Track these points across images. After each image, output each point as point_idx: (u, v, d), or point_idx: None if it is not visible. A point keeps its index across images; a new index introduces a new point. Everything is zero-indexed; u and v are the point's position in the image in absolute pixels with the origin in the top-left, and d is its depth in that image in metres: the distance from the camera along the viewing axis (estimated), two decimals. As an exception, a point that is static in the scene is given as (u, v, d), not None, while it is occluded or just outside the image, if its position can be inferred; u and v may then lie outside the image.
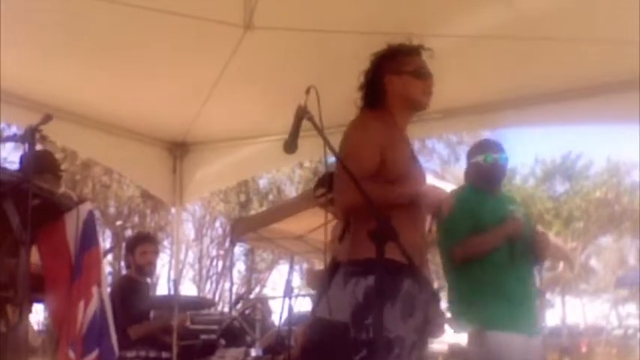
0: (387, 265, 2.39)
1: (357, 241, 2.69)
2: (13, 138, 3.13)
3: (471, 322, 3.56)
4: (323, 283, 3.67)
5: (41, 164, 3.35)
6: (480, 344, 3.55)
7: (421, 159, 3.13)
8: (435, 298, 3.03)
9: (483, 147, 3.94)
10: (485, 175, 3.86)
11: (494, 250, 3.63)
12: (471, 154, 3.98)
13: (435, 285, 3.30)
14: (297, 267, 19.97)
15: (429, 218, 3.11)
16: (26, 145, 2.99)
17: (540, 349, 3.78)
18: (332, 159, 2.75)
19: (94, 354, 3.41)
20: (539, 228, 4.11)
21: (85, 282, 3.45)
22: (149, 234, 6.31)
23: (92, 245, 3.52)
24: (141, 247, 5.51)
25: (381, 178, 2.71)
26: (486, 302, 3.57)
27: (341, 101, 3.23)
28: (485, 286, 3.61)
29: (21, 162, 3.40)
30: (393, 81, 2.90)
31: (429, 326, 2.90)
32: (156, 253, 5.75)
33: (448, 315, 3.39)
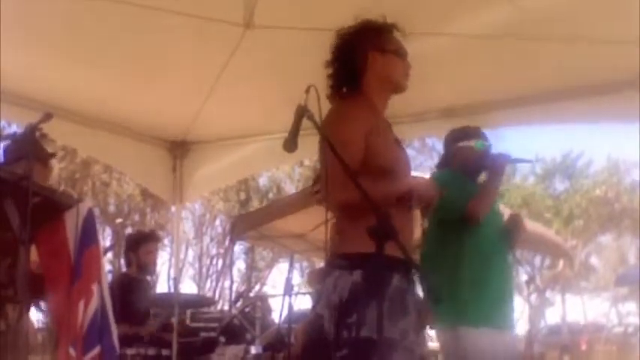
0: (381, 261, 2.27)
1: (348, 236, 2.59)
2: (13, 136, 3.14)
3: (444, 319, 3.44)
4: (322, 279, 3.65)
5: (22, 150, 3.17)
6: (453, 341, 3.52)
7: (421, 158, 3.10)
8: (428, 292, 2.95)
9: (471, 133, 3.84)
10: (476, 161, 3.77)
11: (474, 237, 3.57)
12: (455, 139, 3.85)
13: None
14: (297, 265, 19.99)
15: (418, 213, 3.02)
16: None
17: (515, 342, 3.75)
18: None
19: (96, 351, 3.41)
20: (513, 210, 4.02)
21: (85, 280, 3.46)
22: (153, 232, 6.32)
23: (92, 243, 3.52)
24: (145, 247, 5.53)
25: (369, 168, 2.57)
26: (460, 298, 3.48)
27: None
28: (460, 281, 3.52)
29: (5, 153, 3.35)
30: (376, 59, 2.73)
31: (425, 322, 2.80)
32: (157, 250, 5.77)
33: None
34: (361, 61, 2.74)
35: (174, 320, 5.56)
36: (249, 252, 25.60)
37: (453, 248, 3.58)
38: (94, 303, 3.42)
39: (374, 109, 2.74)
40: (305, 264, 21.78)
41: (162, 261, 20.86)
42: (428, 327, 3.11)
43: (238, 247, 22.79)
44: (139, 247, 5.56)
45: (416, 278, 2.67)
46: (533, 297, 25.91)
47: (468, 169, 3.78)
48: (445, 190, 3.48)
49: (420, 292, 2.74)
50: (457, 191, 3.58)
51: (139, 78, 4.80)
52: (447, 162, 3.88)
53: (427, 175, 4.25)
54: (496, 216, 3.79)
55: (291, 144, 2.50)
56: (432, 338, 4.39)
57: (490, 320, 3.50)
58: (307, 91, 2.49)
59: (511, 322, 3.71)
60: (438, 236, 3.63)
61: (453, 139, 3.87)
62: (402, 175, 2.68)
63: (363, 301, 2.46)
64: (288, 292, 5.55)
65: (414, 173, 3.13)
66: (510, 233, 3.77)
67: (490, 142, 3.84)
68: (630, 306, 27.78)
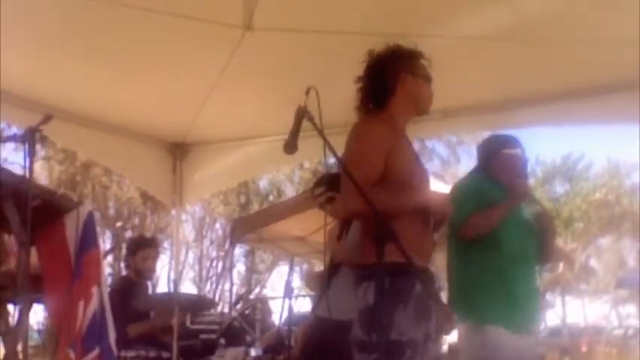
0: (394, 267, 2.45)
1: (363, 246, 2.69)
2: (13, 138, 3.13)
3: (469, 317, 3.51)
4: (322, 283, 3.67)
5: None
6: (476, 338, 3.52)
7: (421, 160, 3.12)
8: (440, 300, 3.07)
9: (512, 140, 3.84)
10: (521, 168, 3.79)
11: (498, 238, 3.55)
12: (498, 146, 3.83)
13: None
14: (297, 268, 19.98)
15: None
16: (26, 146, 2.98)
17: (536, 348, 3.73)
18: (332, 159, 2.75)
19: (95, 353, 3.41)
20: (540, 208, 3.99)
21: (84, 283, 3.45)
22: (152, 239, 6.31)
23: (92, 246, 3.52)
24: (142, 252, 5.52)
25: (386, 183, 2.71)
26: (486, 298, 3.52)
27: (341, 102, 3.23)
28: (487, 282, 3.55)
29: None
30: (408, 80, 2.91)
31: (441, 327, 2.93)
32: (157, 257, 5.76)
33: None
34: (393, 80, 2.91)
35: (174, 322, 5.55)
36: (249, 255, 25.62)
37: (478, 248, 3.58)
38: (93, 305, 3.43)
39: (396, 127, 2.88)
40: (305, 267, 21.76)
41: (163, 264, 20.86)
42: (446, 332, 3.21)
43: (238, 250, 22.84)
44: (137, 252, 5.55)
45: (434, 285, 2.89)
46: (537, 301, 25.85)
47: (511, 177, 3.74)
48: (463, 188, 3.63)
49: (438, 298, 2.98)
50: (470, 193, 3.63)
51: (139, 80, 4.80)
52: (487, 166, 3.85)
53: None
54: (522, 214, 3.75)
55: (291, 146, 2.51)
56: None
57: (515, 321, 3.50)
58: (307, 92, 2.51)
59: (536, 324, 3.72)
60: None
61: (497, 145, 3.85)
62: (424, 189, 2.83)
63: (390, 306, 2.59)
64: (288, 294, 5.56)
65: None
66: (540, 232, 3.74)
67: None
68: (630, 308, 27.84)
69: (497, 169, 3.79)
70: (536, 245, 3.74)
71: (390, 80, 2.90)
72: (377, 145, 2.74)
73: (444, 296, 3.50)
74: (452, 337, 4.70)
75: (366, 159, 2.70)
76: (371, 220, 2.51)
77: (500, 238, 3.57)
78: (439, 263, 3.96)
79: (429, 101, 3.00)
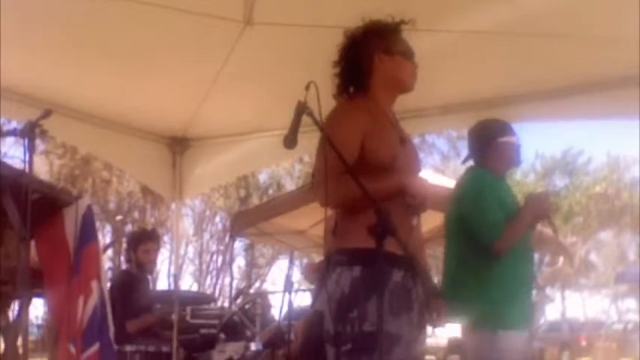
0: (368, 254, 2.33)
1: (345, 231, 2.62)
2: (13, 133, 3.14)
3: (481, 321, 3.39)
4: (320, 276, 3.66)
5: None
6: (488, 344, 3.44)
7: (421, 154, 3.06)
8: (433, 290, 2.97)
9: (508, 127, 3.69)
10: (517, 156, 3.66)
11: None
12: (495, 134, 3.66)
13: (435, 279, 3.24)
14: (297, 262, 19.97)
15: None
16: (26, 140, 2.98)
17: (530, 344, 3.67)
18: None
19: (95, 347, 3.42)
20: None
21: (84, 277, 3.46)
22: (152, 231, 6.32)
23: (91, 240, 3.53)
24: (144, 246, 5.54)
25: (367, 166, 2.59)
26: (493, 299, 3.40)
27: (341, 97, 3.20)
28: (495, 283, 3.43)
29: None
30: (384, 61, 2.76)
31: (427, 319, 2.82)
32: (158, 250, 5.77)
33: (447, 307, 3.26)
34: (367, 62, 2.76)
35: (174, 317, 5.56)
36: (249, 249, 25.66)
37: (484, 249, 3.45)
38: (93, 299, 3.43)
39: (377, 108, 2.74)
40: (305, 260, 21.79)
41: (163, 258, 20.92)
42: (434, 324, 3.10)
43: (238, 244, 22.82)
44: (138, 245, 5.57)
45: (418, 274, 2.69)
46: (533, 293, 25.92)
47: (507, 166, 3.68)
48: (484, 192, 3.46)
49: (427, 288, 2.79)
50: (495, 201, 3.47)
51: (138, 74, 4.79)
52: (483, 157, 3.67)
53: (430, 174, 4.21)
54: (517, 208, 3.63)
55: (291, 140, 2.50)
56: (433, 335, 4.35)
57: (523, 322, 3.44)
58: (307, 87, 2.49)
59: (531, 319, 3.63)
60: (467, 237, 3.50)
61: (493, 133, 3.66)
62: (402, 173, 2.67)
63: (363, 295, 2.48)
64: (288, 288, 5.55)
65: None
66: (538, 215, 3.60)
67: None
68: (630, 303, 27.87)
69: (493, 158, 3.63)
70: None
71: (364, 62, 2.76)
72: (351, 130, 2.62)
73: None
74: (452, 333, 4.67)
75: (340, 145, 2.49)
76: (353, 205, 2.48)
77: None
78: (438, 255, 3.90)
79: (410, 78, 2.81)
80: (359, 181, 2.37)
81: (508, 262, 3.41)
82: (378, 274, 2.42)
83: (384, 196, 2.51)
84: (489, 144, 3.63)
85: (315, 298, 3.99)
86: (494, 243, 3.38)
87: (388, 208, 2.31)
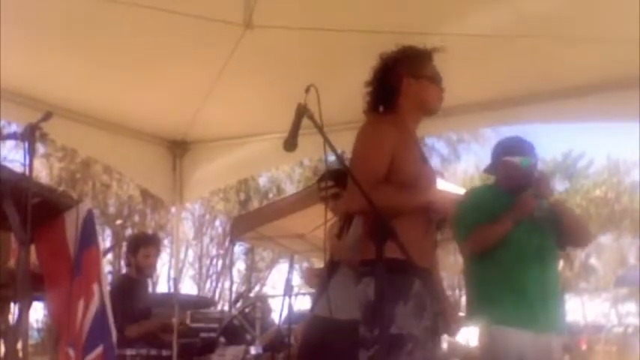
0: (394, 263, 2.47)
1: (364, 244, 2.76)
2: (13, 136, 3.13)
3: (480, 318, 3.51)
4: (322, 281, 3.68)
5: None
6: (484, 338, 3.52)
7: (428, 162, 3.12)
8: (444, 298, 3.09)
9: (519, 147, 3.68)
10: (518, 179, 3.61)
11: (506, 236, 3.48)
12: (503, 151, 3.71)
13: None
14: (297, 266, 19.95)
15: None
16: (26, 143, 2.98)
17: (553, 346, 3.55)
18: (332, 157, 2.75)
19: (98, 350, 3.41)
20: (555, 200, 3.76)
21: (84, 281, 3.45)
22: (152, 235, 6.31)
23: (91, 244, 3.52)
24: (144, 250, 5.52)
25: (392, 181, 2.75)
26: (495, 297, 3.49)
27: (341, 99, 3.23)
28: (495, 282, 3.50)
29: None
30: (411, 84, 2.94)
31: (440, 326, 2.96)
32: (158, 254, 5.76)
33: (462, 313, 3.34)
34: (397, 84, 2.94)
35: (174, 321, 5.55)
36: (249, 252, 25.63)
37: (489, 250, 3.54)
38: (95, 303, 3.42)
39: (403, 126, 2.90)
40: (305, 264, 21.78)
41: (163, 262, 20.90)
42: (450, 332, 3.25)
43: (238, 248, 22.84)
44: (139, 249, 5.55)
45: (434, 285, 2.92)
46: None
47: (508, 186, 3.66)
48: (468, 199, 3.66)
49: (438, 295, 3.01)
50: (474, 205, 3.63)
51: (138, 77, 4.80)
52: (494, 173, 3.81)
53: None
54: (532, 213, 3.60)
55: (291, 144, 2.52)
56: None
57: (523, 321, 3.44)
58: (307, 90, 2.51)
59: (551, 325, 3.54)
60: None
61: (502, 150, 3.73)
62: (425, 189, 2.85)
63: (390, 301, 2.62)
64: (288, 292, 5.55)
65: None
66: (555, 223, 3.62)
67: (537, 159, 3.72)
68: (630, 306, 27.80)
69: (499, 177, 3.75)
70: (554, 240, 3.65)
71: (393, 85, 2.94)
72: (382, 144, 2.78)
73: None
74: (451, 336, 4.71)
75: (370, 158, 2.75)
76: (372, 218, 2.54)
77: (508, 238, 3.50)
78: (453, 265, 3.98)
79: (436, 102, 3.01)
80: (367, 196, 2.47)
81: (503, 261, 3.51)
82: (404, 283, 2.67)
83: (411, 209, 2.74)
84: (497, 162, 3.75)
85: (315, 302, 4.00)
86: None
87: (410, 221, 2.58)
